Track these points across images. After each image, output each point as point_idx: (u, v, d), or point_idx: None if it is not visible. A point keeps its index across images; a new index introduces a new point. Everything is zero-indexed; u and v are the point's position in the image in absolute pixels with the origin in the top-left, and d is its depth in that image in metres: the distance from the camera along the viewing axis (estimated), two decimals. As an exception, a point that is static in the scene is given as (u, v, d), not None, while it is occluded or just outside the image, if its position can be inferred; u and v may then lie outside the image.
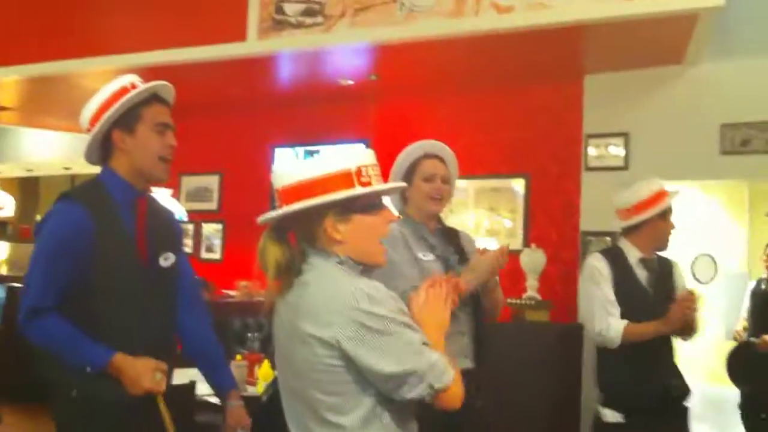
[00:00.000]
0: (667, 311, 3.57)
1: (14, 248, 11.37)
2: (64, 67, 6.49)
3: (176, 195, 7.87)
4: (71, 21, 6.60)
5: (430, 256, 3.18)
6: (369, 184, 2.05)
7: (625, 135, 5.83)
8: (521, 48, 5.51)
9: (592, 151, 5.97)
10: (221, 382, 2.94)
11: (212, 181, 8.14)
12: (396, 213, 3.33)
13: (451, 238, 3.36)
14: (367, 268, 2.10)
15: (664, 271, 3.85)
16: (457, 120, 6.56)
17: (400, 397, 1.96)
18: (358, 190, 2.03)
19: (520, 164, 6.40)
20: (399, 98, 6.62)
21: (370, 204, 2.09)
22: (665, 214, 3.78)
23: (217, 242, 8.06)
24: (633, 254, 3.79)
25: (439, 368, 1.96)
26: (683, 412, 3.74)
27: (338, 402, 1.98)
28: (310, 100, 6.89)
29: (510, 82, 6.34)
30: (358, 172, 2.04)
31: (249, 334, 5.19)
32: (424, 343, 1.98)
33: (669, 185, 3.84)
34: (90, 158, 2.77)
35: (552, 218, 6.18)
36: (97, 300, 2.59)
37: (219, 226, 8.06)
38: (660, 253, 3.89)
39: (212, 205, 8.13)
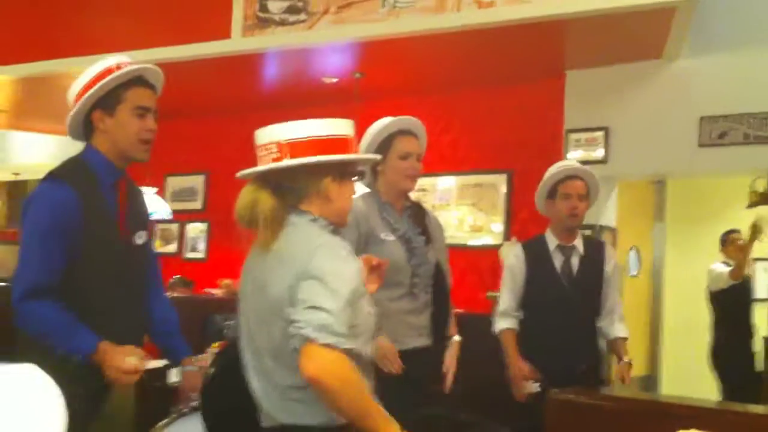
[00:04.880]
0: (584, 298, 3.86)
1: (1, 250, 11.35)
2: (50, 66, 6.51)
3: (161, 194, 7.89)
4: (57, 21, 6.63)
5: (390, 237, 3.20)
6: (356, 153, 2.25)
7: (605, 129, 5.90)
8: (503, 44, 5.58)
9: (572, 145, 6.03)
10: (176, 348, 2.97)
11: (197, 181, 8.18)
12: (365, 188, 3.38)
13: (419, 217, 3.38)
14: (336, 228, 2.22)
15: (590, 255, 3.96)
16: (441, 117, 6.62)
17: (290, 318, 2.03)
18: (356, 156, 2.24)
19: (502, 160, 6.47)
20: (384, 96, 6.66)
21: (353, 172, 2.26)
22: (553, 194, 3.92)
23: (202, 241, 8.09)
24: (552, 242, 3.94)
25: (330, 328, 1.97)
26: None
27: None
28: (295, 98, 6.92)
29: (493, 79, 6.40)
30: (353, 140, 2.22)
31: (226, 323, 5.29)
32: (334, 309, 2.01)
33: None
34: (72, 134, 2.79)
35: (534, 213, 6.22)
36: (83, 277, 2.62)
37: (204, 226, 8.09)
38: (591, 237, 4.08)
39: (197, 205, 8.16)
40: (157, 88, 2.83)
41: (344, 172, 2.20)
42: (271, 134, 2.19)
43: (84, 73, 2.73)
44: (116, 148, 2.72)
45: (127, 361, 2.49)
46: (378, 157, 2.26)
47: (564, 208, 3.88)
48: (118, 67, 2.70)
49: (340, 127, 2.17)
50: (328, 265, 2.04)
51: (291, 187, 2.19)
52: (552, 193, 3.92)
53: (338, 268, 2.06)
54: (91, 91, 2.66)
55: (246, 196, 2.20)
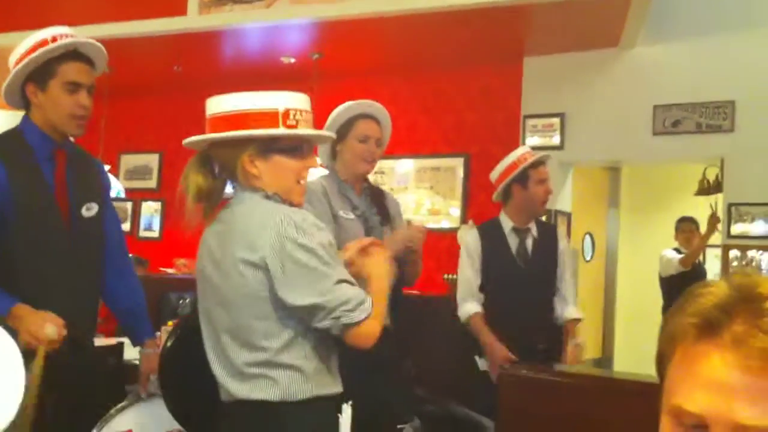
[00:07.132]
0: (540, 278, 3.90)
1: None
2: (4, 40, 6.36)
3: (115, 173, 7.79)
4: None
5: (350, 215, 3.18)
6: (295, 127, 2.09)
7: (561, 116, 5.94)
8: (462, 28, 5.58)
9: (529, 131, 6.07)
10: (139, 330, 2.93)
11: (152, 160, 8.08)
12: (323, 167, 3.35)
13: (377, 198, 3.37)
14: (293, 205, 2.15)
15: (544, 238, 4.01)
16: (400, 100, 6.60)
17: (311, 325, 2.04)
18: (280, 131, 2.08)
19: (460, 144, 6.49)
20: (342, 78, 6.64)
21: (292, 147, 2.14)
22: (524, 181, 3.89)
23: (156, 221, 8.01)
24: (507, 224, 3.96)
25: (350, 305, 2.01)
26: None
27: (265, 326, 2.05)
28: (252, 78, 6.82)
29: (452, 63, 6.41)
30: (286, 113, 2.09)
31: (180, 301, 5.26)
32: (342, 280, 2.04)
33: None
34: (10, 104, 2.72)
35: (490, 197, 6.27)
36: (15, 247, 2.57)
37: (158, 205, 8.01)
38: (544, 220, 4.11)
39: (152, 184, 8.07)
40: (97, 64, 2.74)
41: (266, 146, 2.10)
42: (206, 109, 2.17)
43: (21, 44, 2.64)
44: (49, 122, 2.66)
45: (45, 328, 2.39)
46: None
47: (541, 194, 3.90)
48: (54, 40, 2.60)
49: (263, 100, 2.09)
50: (308, 243, 2.01)
51: (221, 162, 2.16)
52: (522, 179, 3.90)
53: (316, 238, 2.03)
54: (22, 64, 2.58)
55: (185, 167, 2.19)
